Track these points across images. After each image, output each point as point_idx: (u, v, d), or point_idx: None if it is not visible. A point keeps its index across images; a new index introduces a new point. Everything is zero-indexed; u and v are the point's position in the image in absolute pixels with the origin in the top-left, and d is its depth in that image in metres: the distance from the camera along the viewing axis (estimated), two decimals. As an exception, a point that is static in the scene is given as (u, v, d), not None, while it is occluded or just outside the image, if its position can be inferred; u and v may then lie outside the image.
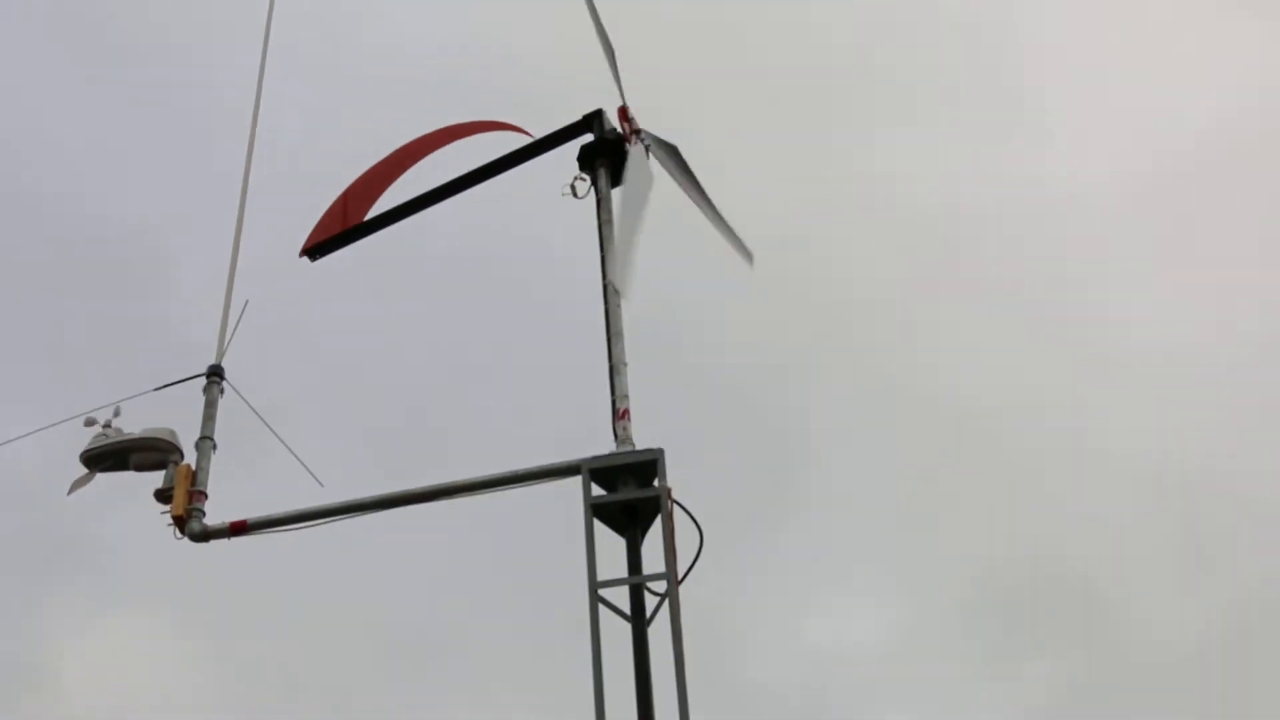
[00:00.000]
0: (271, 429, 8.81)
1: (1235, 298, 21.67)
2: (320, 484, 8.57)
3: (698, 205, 9.75)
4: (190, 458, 8.81)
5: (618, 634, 7.62)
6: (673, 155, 9.64)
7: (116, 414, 8.82)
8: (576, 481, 7.93)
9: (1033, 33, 24.81)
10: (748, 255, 9.94)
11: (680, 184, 9.71)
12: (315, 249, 9.78)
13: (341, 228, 9.72)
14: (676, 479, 7.86)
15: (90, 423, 8.75)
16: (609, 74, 9.41)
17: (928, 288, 21.46)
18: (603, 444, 8.12)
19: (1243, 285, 21.69)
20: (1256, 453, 19.46)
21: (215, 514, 8.67)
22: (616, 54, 9.46)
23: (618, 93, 9.39)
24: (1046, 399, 20.73)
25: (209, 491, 8.75)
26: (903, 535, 19.13)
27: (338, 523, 8.51)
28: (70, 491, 8.78)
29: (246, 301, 9.19)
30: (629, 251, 8.25)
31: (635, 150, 9.08)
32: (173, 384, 8.94)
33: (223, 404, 9.03)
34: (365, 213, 9.70)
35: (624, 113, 9.35)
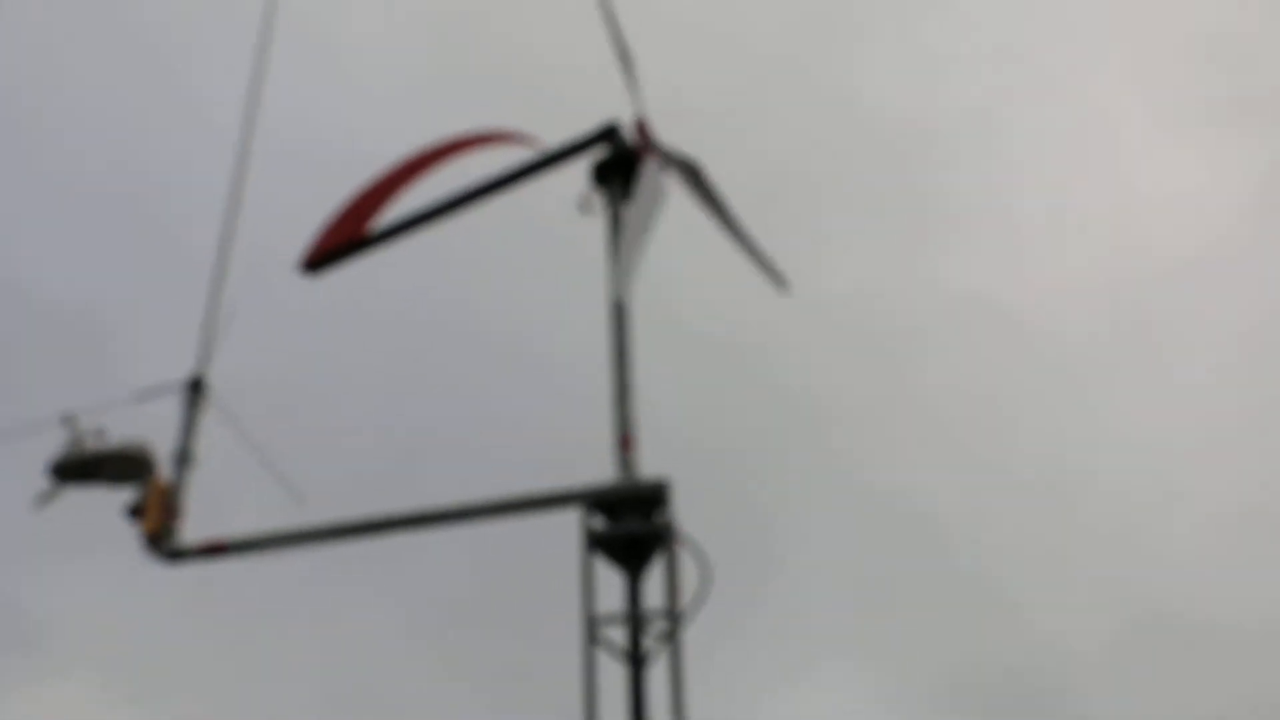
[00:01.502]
0: (251, 444, 8.27)
1: (1209, 421, 21.21)
2: (300, 501, 8.02)
3: (723, 229, 9.24)
4: (166, 473, 8.26)
5: (609, 679, 7.07)
6: (692, 175, 9.13)
7: (71, 420, 8.22)
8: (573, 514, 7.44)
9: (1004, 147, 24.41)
10: (781, 281, 9.44)
11: (703, 206, 9.21)
12: (317, 263, 9.20)
13: (346, 240, 9.17)
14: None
15: (67, 419, 8.16)
16: (625, 82, 8.96)
17: (890, 394, 20.89)
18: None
19: (1216, 408, 21.27)
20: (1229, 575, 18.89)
21: (191, 534, 8.16)
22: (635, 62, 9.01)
23: (634, 103, 8.94)
24: (1007, 510, 20.14)
25: (186, 509, 8.23)
26: (863, 635, 18.46)
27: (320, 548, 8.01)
28: (36, 507, 8.22)
29: (232, 311, 8.68)
30: (633, 260, 7.77)
31: (649, 166, 8.58)
32: (150, 393, 8.40)
33: (205, 419, 8.49)
34: (372, 225, 9.15)
35: (641, 125, 8.87)
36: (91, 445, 8.20)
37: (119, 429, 8.27)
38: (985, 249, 23.02)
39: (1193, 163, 24.50)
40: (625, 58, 8.99)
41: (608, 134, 8.81)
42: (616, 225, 8.56)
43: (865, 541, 18.85)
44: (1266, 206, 23.26)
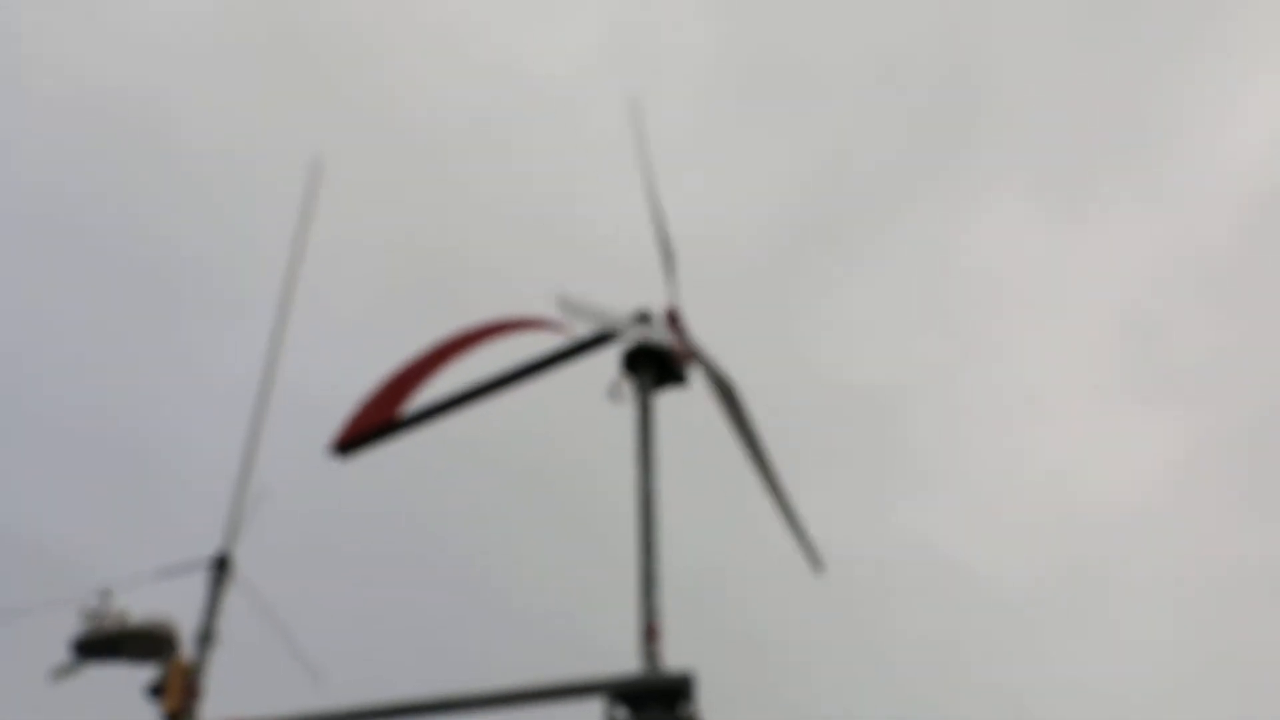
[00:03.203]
0: (275, 623, 8.25)
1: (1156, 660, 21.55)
2: (321, 682, 7.96)
3: (753, 463, 9.03)
4: (188, 651, 8.24)
5: None
6: (727, 396, 9.09)
7: (106, 596, 8.23)
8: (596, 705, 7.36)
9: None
10: (817, 563, 9.04)
11: (735, 432, 9.04)
12: (348, 445, 9.25)
13: (378, 423, 9.25)
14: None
15: (92, 615, 8.16)
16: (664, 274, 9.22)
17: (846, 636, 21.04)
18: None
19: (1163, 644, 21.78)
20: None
21: (211, 710, 8.11)
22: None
23: (669, 293, 9.17)
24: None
25: (206, 688, 8.18)
26: None
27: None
28: (55, 680, 8.17)
29: (260, 491, 8.76)
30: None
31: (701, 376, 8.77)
32: (175, 570, 8.42)
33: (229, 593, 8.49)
34: (403, 409, 9.23)
35: (672, 314, 9.04)
36: (115, 623, 8.19)
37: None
38: (940, 502, 23.94)
39: (1123, 431, 26.16)
40: (668, 251, 9.27)
41: (639, 322, 8.95)
42: (645, 412, 8.65)
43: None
44: (1192, 473, 25.21)
